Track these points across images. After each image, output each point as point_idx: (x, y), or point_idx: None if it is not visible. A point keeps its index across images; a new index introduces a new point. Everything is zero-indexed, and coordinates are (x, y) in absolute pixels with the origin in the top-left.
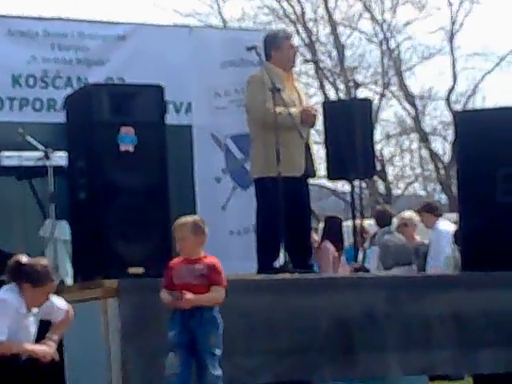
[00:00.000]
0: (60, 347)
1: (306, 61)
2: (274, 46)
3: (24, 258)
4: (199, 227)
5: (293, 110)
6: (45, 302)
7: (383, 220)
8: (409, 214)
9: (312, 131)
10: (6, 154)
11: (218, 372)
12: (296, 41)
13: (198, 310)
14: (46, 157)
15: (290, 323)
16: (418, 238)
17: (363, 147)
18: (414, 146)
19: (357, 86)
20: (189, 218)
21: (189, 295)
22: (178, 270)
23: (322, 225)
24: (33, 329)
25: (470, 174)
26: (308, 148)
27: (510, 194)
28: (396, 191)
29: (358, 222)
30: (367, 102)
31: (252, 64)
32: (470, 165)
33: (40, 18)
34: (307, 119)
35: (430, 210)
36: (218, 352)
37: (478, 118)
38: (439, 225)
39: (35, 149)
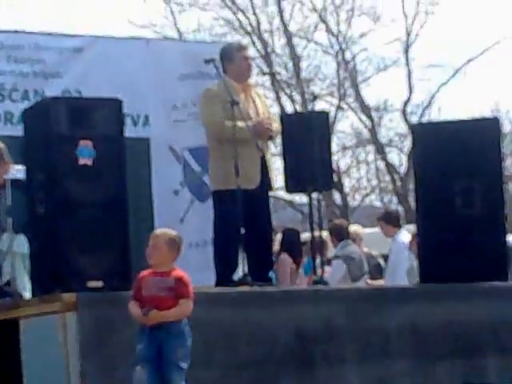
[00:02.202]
0: (18, 361)
1: (264, 73)
2: (228, 59)
3: None
4: (175, 243)
5: (249, 123)
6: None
7: (340, 233)
8: (354, 228)
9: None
10: None
11: None
12: (252, 52)
13: (166, 323)
14: None
15: (249, 336)
16: (365, 249)
17: (321, 160)
18: (371, 157)
19: (314, 98)
20: (169, 231)
21: (154, 312)
22: (147, 282)
23: (279, 236)
24: None
25: (428, 186)
26: (265, 161)
27: (468, 207)
28: (352, 203)
29: (316, 233)
30: (325, 114)
31: (210, 77)
32: (427, 177)
33: None
34: (261, 132)
35: (389, 221)
36: (184, 366)
37: (435, 131)
38: (399, 236)
39: None
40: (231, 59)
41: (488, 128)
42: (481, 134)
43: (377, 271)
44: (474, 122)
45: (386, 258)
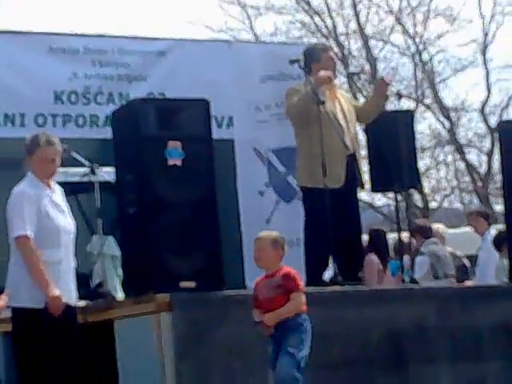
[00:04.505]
0: (114, 362)
1: (351, 74)
2: (314, 59)
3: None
4: (279, 242)
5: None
6: (54, 169)
7: (425, 232)
8: (438, 227)
9: None
10: None
11: (294, 373)
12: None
13: (282, 321)
14: (92, 172)
15: (341, 336)
16: (449, 249)
17: (407, 158)
18: (449, 158)
19: (399, 97)
20: (271, 232)
21: (267, 316)
22: (260, 287)
23: (365, 237)
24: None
25: None
26: (355, 159)
27: None
28: (432, 204)
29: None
30: (410, 112)
31: (291, 78)
32: None
33: (81, 35)
34: (322, 79)
35: (485, 216)
36: (296, 352)
37: None
38: (490, 234)
39: (80, 165)
40: (317, 60)
41: None
42: None
43: (462, 272)
44: None
45: (469, 258)
